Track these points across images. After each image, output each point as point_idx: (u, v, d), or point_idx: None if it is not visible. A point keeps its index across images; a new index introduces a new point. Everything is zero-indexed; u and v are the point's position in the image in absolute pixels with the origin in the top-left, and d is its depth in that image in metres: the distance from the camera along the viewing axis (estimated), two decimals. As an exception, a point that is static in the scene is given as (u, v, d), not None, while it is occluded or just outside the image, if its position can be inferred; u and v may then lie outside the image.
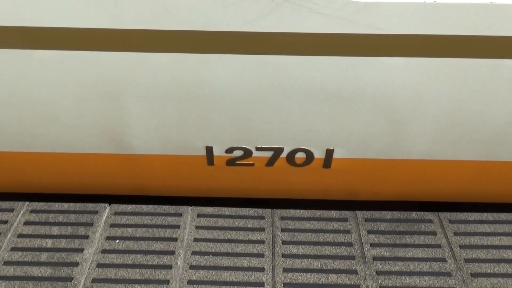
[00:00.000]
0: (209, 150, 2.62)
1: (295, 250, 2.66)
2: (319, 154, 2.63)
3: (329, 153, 2.61)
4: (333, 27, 2.03)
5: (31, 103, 2.40)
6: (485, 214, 2.89)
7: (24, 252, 2.61)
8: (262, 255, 2.63)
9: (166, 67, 2.21)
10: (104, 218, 2.83)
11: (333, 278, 2.51)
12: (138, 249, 2.65)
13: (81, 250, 2.64)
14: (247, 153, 2.64)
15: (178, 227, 2.78)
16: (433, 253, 2.65)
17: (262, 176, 2.81)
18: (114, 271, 2.53)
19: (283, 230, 2.78)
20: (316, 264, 2.58)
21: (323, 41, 2.08)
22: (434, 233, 2.76)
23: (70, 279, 2.49)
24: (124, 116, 2.45)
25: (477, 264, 2.59)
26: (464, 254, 2.64)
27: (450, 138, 2.51)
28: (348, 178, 2.82)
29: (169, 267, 2.56)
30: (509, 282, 2.49)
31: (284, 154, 2.64)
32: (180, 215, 2.86)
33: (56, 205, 2.90)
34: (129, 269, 2.54)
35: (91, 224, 2.78)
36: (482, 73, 2.19)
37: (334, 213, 2.88)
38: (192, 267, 2.56)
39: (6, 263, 2.55)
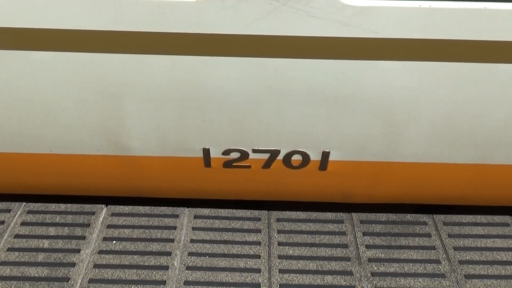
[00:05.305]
0: (206, 152, 2.64)
1: (291, 252, 2.67)
2: (315, 156, 2.65)
3: (325, 155, 2.63)
4: (330, 31, 2.06)
5: (29, 104, 2.41)
6: (479, 216, 2.92)
7: (21, 253, 2.62)
8: (258, 256, 2.64)
9: (165, 69, 2.23)
10: (101, 219, 2.84)
11: (329, 279, 2.53)
12: (135, 250, 2.66)
13: (78, 250, 2.64)
14: (244, 155, 2.65)
15: (174, 228, 2.79)
16: (428, 254, 2.67)
17: (258, 178, 2.83)
18: (111, 272, 2.54)
19: (279, 231, 2.79)
20: (312, 265, 2.60)
21: (320, 44, 2.11)
22: (428, 235, 2.78)
23: (67, 279, 2.50)
24: (122, 117, 2.46)
25: (471, 265, 2.62)
26: (458, 256, 2.67)
27: (446, 141, 2.53)
28: (344, 181, 2.84)
29: (166, 268, 2.57)
30: (503, 283, 2.52)
31: (280, 156, 2.66)
32: (177, 216, 2.87)
33: (53, 206, 2.91)
34: (126, 270, 2.55)
35: (88, 225, 2.79)
36: (477, 77, 2.22)
37: (329, 215, 2.90)
38: (188, 268, 2.57)
39: (3, 263, 2.56)
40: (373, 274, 2.57)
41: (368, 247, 2.71)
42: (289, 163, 2.69)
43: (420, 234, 2.78)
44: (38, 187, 2.99)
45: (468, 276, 2.56)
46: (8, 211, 2.87)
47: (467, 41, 2.08)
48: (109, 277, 2.51)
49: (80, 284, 2.48)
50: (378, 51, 2.13)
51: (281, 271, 2.57)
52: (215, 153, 2.65)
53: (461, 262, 2.63)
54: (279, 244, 2.72)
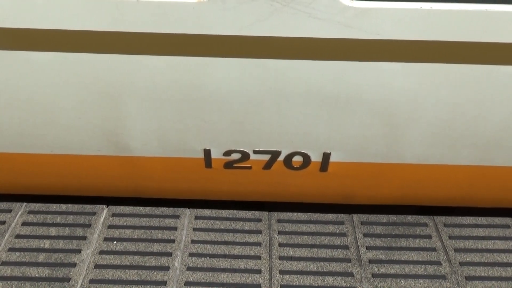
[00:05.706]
0: (207, 152, 2.64)
1: (291, 253, 2.67)
2: (316, 157, 2.65)
3: (326, 156, 2.63)
4: (331, 32, 2.06)
5: (30, 105, 2.41)
6: (479, 218, 2.92)
7: (22, 253, 2.62)
8: (259, 257, 2.64)
9: (165, 70, 2.23)
10: (102, 219, 2.84)
11: (329, 280, 2.53)
12: (135, 250, 2.66)
13: (79, 251, 2.65)
14: (245, 156, 2.65)
15: (175, 229, 2.79)
16: (428, 256, 2.67)
17: (259, 179, 2.83)
18: (111, 272, 2.54)
19: (280, 232, 2.79)
20: (312, 266, 2.60)
21: (321, 46, 2.11)
22: (429, 237, 2.78)
23: (67, 279, 2.50)
24: (123, 118, 2.46)
25: (471, 267, 2.62)
26: (459, 258, 2.67)
27: (446, 143, 2.53)
28: (345, 182, 2.84)
29: (167, 268, 2.57)
30: (503, 285, 2.52)
31: (281, 158, 2.66)
32: (178, 217, 2.87)
33: (54, 206, 2.91)
34: (126, 270, 2.55)
35: (89, 225, 2.79)
36: (477, 78, 2.22)
37: (330, 216, 2.90)
38: (189, 268, 2.57)
39: (4, 263, 2.56)
40: (374, 275, 2.57)
41: (368, 248, 2.71)
42: (290, 164, 2.69)
43: (421, 236, 2.78)
44: (39, 187, 2.99)
45: (468, 278, 2.56)
46: (9, 211, 2.88)
47: (468, 42, 2.08)
48: (110, 278, 2.52)
49: (81, 284, 2.48)
50: (379, 52, 2.13)
51: (282, 272, 2.57)
52: (216, 154, 2.65)
53: (462, 264, 2.63)
54: (280, 245, 2.72)
